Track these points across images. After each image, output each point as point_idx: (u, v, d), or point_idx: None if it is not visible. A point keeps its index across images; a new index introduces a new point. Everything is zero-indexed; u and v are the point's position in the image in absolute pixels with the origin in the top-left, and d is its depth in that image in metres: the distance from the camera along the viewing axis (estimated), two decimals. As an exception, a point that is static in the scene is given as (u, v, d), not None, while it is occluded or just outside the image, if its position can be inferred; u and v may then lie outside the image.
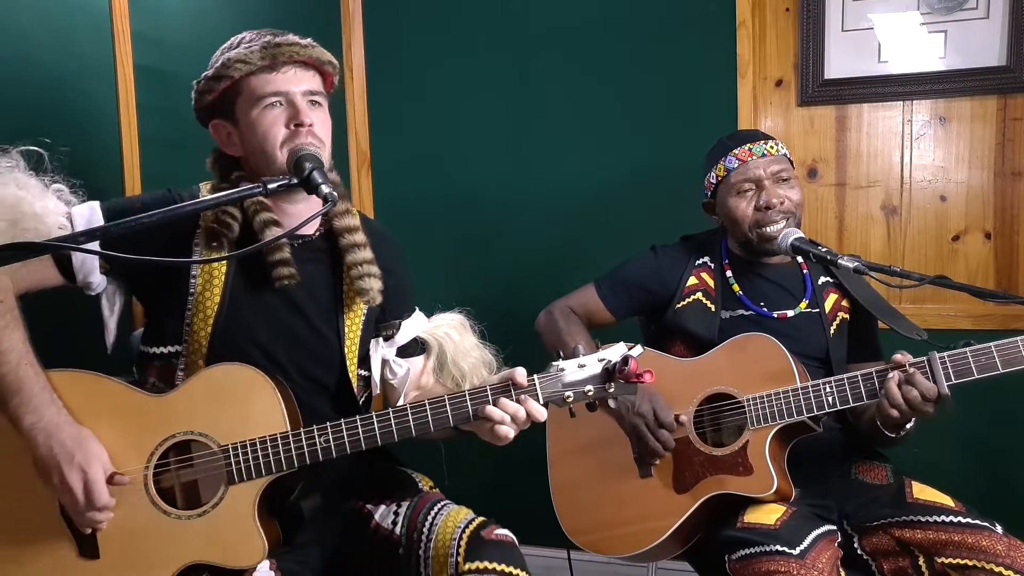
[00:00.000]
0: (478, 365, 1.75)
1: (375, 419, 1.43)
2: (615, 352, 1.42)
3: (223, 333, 1.50)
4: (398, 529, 1.55)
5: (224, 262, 1.52)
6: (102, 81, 1.94)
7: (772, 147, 1.91)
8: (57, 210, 1.42)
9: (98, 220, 1.47)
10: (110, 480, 1.40)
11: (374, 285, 1.56)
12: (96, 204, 1.50)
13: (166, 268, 1.52)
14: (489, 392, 1.42)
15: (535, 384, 1.42)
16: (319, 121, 1.51)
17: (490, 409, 1.40)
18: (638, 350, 1.42)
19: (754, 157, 1.89)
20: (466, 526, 1.49)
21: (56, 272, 1.49)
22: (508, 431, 1.41)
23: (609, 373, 1.40)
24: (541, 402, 1.42)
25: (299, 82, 1.50)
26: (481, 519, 1.53)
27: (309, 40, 1.54)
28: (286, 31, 1.55)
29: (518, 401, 1.41)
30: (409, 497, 1.61)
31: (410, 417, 1.43)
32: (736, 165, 1.89)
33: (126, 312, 1.62)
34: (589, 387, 1.42)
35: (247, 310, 1.52)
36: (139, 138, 2.01)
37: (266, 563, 1.44)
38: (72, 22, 1.87)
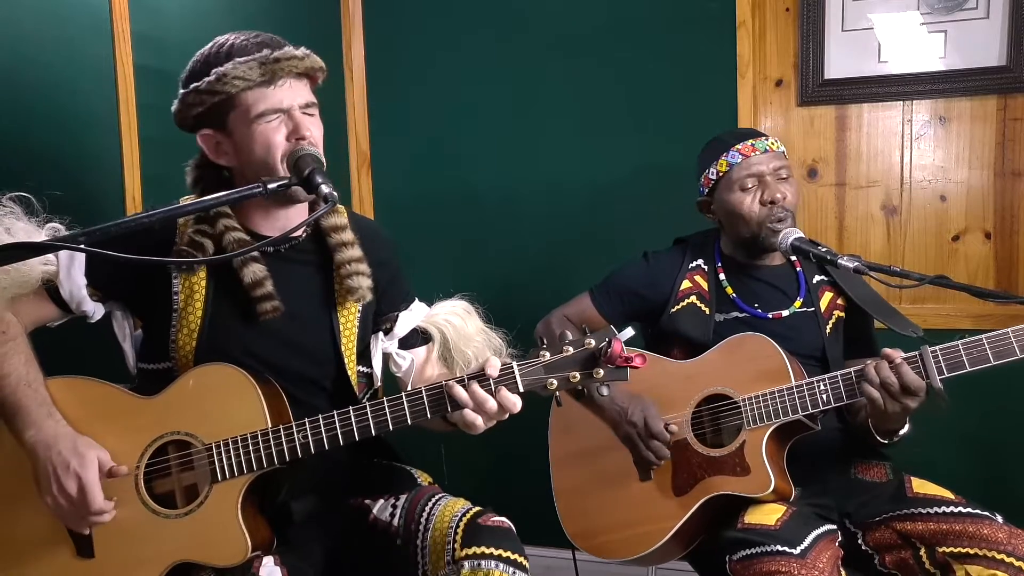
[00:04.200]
0: (483, 350, 1.71)
1: (352, 413, 1.43)
2: (601, 336, 1.36)
3: (208, 345, 1.50)
4: (396, 521, 1.56)
5: (204, 275, 1.52)
6: (102, 82, 1.94)
7: (772, 144, 1.91)
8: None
9: (80, 259, 1.48)
10: (109, 474, 1.42)
11: (363, 283, 1.56)
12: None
13: (148, 286, 1.52)
14: (466, 379, 1.39)
15: (513, 370, 1.38)
16: (315, 130, 1.51)
17: (456, 390, 1.38)
18: (627, 333, 1.35)
19: (757, 153, 1.89)
20: (463, 514, 1.50)
21: (52, 305, 1.51)
22: (475, 418, 1.38)
23: (595, 357, 1.35)
24: (521, 389, 1.38)
25: (296, 95, 1.49)
26: (478, 508, 1.53)
27: (303, 50, 1.52)
28: (279, 39, 1.52)
29: (493, 392, 1.37)
30: (407, 490, 1.62)
31: (387, 409, 1.42)
32: (739, 160, 1.89)
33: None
34: (574, 373, 1.37)
35: (232, 319, 1.52)
36: (139, 138, 2.01)
37: (271, 559, 1.44)
38: (72, 23, 1.87)
